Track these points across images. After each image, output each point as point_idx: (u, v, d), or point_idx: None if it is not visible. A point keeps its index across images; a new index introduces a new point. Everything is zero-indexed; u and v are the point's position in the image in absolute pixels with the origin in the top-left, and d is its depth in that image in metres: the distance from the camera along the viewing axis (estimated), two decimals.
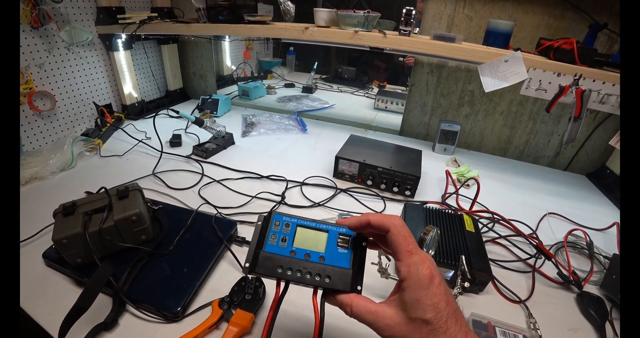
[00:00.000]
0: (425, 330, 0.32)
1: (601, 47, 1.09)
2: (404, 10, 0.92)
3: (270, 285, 0.62)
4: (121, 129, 1.26)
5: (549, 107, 0.90)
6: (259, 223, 0.42)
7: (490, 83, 0.91)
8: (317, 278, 0.39)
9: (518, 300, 0.66)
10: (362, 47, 1.02)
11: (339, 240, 0.42)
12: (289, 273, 0.39)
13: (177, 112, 1.07)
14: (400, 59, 1.80)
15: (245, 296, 0.58)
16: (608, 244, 0.86)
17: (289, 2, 1.46)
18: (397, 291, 0.36)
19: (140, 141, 1.18)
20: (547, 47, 0.95)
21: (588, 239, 0.83)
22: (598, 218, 0.96)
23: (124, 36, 1.31)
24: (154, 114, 1.11)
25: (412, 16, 0.93)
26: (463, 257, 0.56)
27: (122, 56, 1.35)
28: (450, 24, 1.21)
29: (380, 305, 0.36)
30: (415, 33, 1.23)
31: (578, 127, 0.91)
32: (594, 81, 0.86)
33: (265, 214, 0.43)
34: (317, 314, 0.38)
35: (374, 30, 1.01)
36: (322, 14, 1.03)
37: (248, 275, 0.59)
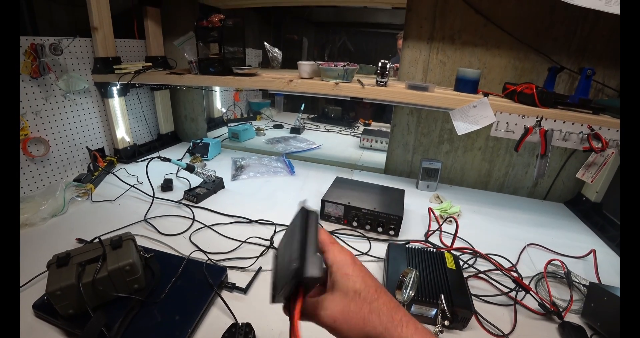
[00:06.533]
0: (359, 301, 0.35)
1: (563, 84, 1.19)
2: (380, 64, 1.02)
3: (260, 331, 0.63)
4: (113, 173, 1.29)
5: (516, 147, 0.97)
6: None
7: (462, 127, 0.99)
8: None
9: (501, 334, 0.68)
10: (343, 97, 1.10)
11: None
12: None
13: (169, 159, 1.11)
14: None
15: None
16: (587, 271, 0.90)
17: (276, 49, 1.57)
18: (327, 281, 0.39)
19: (132, 186, 1.21)
20: (511, 91, 1.04)
21: (566, 269, 0.87)
22: (577, 245, 1.01)
23: (118, 84, 1.37)
24: (147, 160, 1.15)
25: (387, 69, 1.02)
26: (442, 296, 0.59)
27: (116, 103, 1.41)
28: (426, 68, 1.31)
29: (316, 299, 0.38)
30: (397, 70, 1.33)
31: (545, 163, 0.98)
32: (555, 121, 0.95)
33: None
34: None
35: (354, 81, 1.09)
36: (305, 66, 1.11)
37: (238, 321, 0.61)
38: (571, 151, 1.27)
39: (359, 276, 0.37)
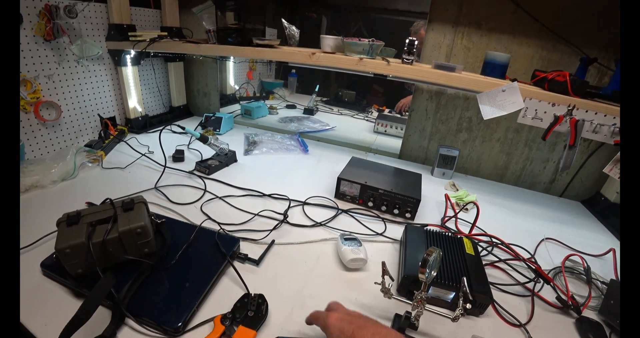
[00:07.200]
0: None
1: (591, 79, 1.14)
2: (407, 41, 0.97)
3: (273, 303, 0.61)
4: (124, 142, 1.27)
5: (545, 135, 0.93)
6: None
7: (488, 111, 0.95)
8: None
9: (518, 323, 0.66)
10: (365, 73, 1.06)
11: None
12: None
13: (183, 128, 1.09)
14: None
15: (247, 313, 0.57)
16: (605, 270, 0.87)
17: (294, 27, 1.52)
18: None
19: (143, 154, 1.19)
20: (541, 79, 1.00)
21: (585, 264, 0.84)
22: (594, 244, 0.98)
23: (132, 52, 1.34)
24: (159, 129, 1.13)
25: (414, 46, 0.98)
26: (465, 279, 0.57)
27: (129, 71, 1.38)
28: (449, 53, 1.26)
29: None
30: (416, 60, 1.29)
31: (573, 155, 0.94)
32: (586, 111, 0.90)
33: None
34: None
35: (377, 58, 1.05)
36: (329, 40, 1.07)
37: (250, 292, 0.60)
38: (593, 150, 1.23)
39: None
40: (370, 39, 1.02)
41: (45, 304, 0.59)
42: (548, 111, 0.93)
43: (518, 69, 1.20)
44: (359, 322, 0.45)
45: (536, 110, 0.94)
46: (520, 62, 1.19)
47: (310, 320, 0.54)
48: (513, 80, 0.98)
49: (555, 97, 0.92)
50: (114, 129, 1.34)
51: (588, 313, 0.71)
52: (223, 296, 0.64)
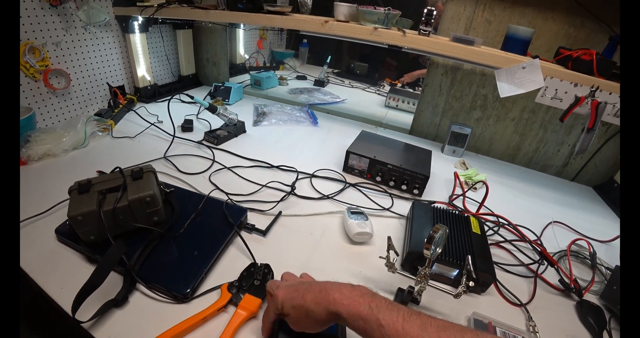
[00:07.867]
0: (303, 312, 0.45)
1: (618, 60, 1.08)
2: (425, 10, 0.92)
3: (279, 273, 0.63)
4: (133, 111, 1.27)
5: (563, 116, 0.90)
6: None
7: (506, 88, 0.91)
8: None
9: (519, 303, 0.67)
10: (380, 44, 1.02)
11: None
12: None
13: (192, 97, 1.08)
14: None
15: (254, 281, 0.59)
16: (611, 256, 0.86)
17: None
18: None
19: (152, 124, 1.19)
20: (565, 57, 0.95)
21: (591, 249, 0.84)
22: (602, 230, 0.97)
23: (140, 19, 1.31)
24: (168, 98, 1.12)
25: (433, 16, 0.93)
26: (469, 257, 0.57)
27: (137, 39, 1.35)
28: (468, 26, 1.20)
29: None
30: (433, 33, 1.23)
31: (590, 138, 0.91)
32: (610, 93, 0.86)
33: None
34: None
35: (393, 28, 1.01)
36: (343, 8, 1.02)
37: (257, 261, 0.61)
38: (611, 134, 1.19)
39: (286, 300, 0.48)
40: (387, 8, 0.97)
41: (61, 269, 0.61)
42: (569, 91, 0.89)
43: (541, 46, 1.14)
44: (303, 287, 0.47)
45: (556, 90, 0.90)
46: (544, 39, 1.13)
47: (269, 319, 0.52)
48: (535, 57, 0.94)
49: (578, 77, 0.87)
50: (123, 98, 1.33)
51: (589, 297, 0.71)
52: (230, 265, 0.66)
